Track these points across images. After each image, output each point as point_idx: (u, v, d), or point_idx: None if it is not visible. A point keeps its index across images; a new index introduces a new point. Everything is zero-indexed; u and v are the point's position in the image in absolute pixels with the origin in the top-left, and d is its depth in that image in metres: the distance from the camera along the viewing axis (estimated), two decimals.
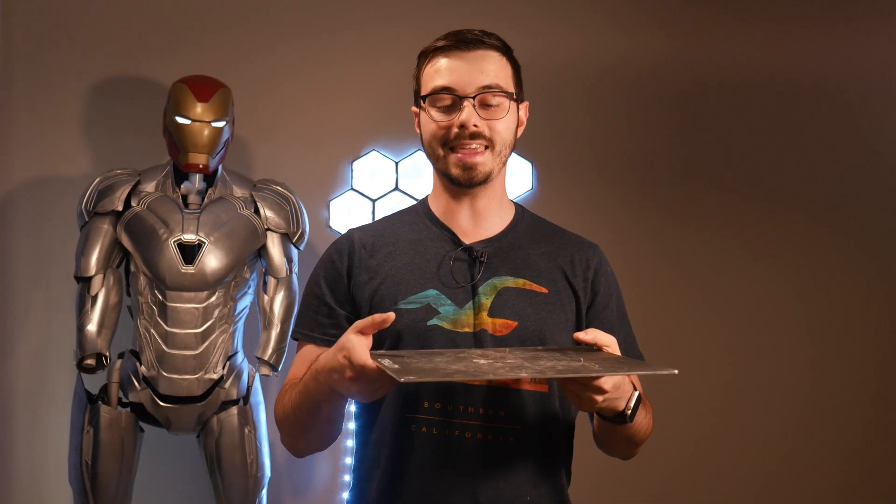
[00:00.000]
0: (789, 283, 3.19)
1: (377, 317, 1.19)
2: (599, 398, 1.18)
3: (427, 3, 3.11)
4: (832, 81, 3.22)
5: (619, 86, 3.16)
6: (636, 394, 1.26)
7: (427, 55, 1.42)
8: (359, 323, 1.20)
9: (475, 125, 1.35)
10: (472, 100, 1.36)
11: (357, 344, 1.17)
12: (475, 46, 1.39)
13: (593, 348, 1.25)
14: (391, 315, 1.19)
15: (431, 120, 1.39)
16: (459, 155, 1.37)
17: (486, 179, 1.39)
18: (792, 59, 3.21)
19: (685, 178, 3.18)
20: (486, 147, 1.37)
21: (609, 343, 1.24)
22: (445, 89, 1.37)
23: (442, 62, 1.39)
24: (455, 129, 1.36)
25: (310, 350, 1.43)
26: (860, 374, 3.18)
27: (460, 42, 1.39)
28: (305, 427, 1.36)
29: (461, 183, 1.39)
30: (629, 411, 1.25)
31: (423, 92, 1.41)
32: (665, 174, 3.17)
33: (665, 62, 3.17)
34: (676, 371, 1.14)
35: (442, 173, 1.41)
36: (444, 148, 1.38)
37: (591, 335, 1.24)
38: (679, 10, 3.21)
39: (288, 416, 1.37)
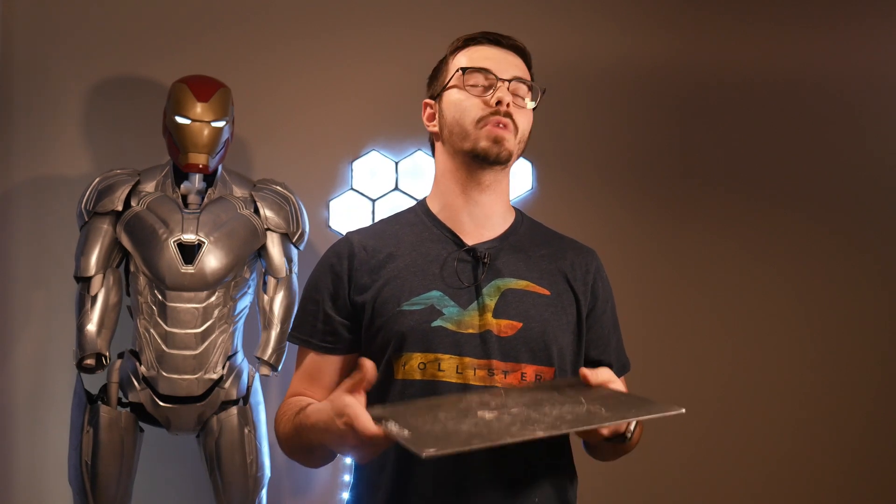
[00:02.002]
0: (790, 283, 3.19)
1: (365, 372, 1.16)
2: (605, 433, 1.23)
3: (427, 3, 3.11)
4: (832, 81, 3.22)
5: (619, 86, 3.17)
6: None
7: (460, 46, 1.47)
8: (346, 383, 1.18)
9: (509, 104, 1.39)
10: (507, 83, 1.40)
11: (359, 411, 1.13)
12: (508, 44, 1.46)
13: (581, 382, 1.27)
14: (369, 367, 1.17)
15: (464, 96, 1.41)
16: (490, 127, 1.38)
17: (507, 160, 1.41)
18: (792, 60, 3.22)
19: (685, 178, 3.18)
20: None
21: (610, 379, 1.27)
22: (484, 70, 1.41)
23: (478, 49, 1.45)
24: (488, 108, 1.39)
25: (310, 359, 1.45)
26: (861, 375, 3.18)
27: (496, 37, 1.46)
28: (301, 458, 1.41)
29: (488, 156, 1.39)
30: (629, 433, 1.27)
31: (461, 66, 1.43)
32: (665, 174, 3.17)
33: (665, 62, 3.18)
34: (683, 410, 1.15)
35: (466, 151, 1.41)
36: (474, 124, 1.39)
37: (595, 378, 1.26)
38: (679, 11, 3.21)
39: (283, 442, 1.40)
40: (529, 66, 1.48)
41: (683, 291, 3.16)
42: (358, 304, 1.40)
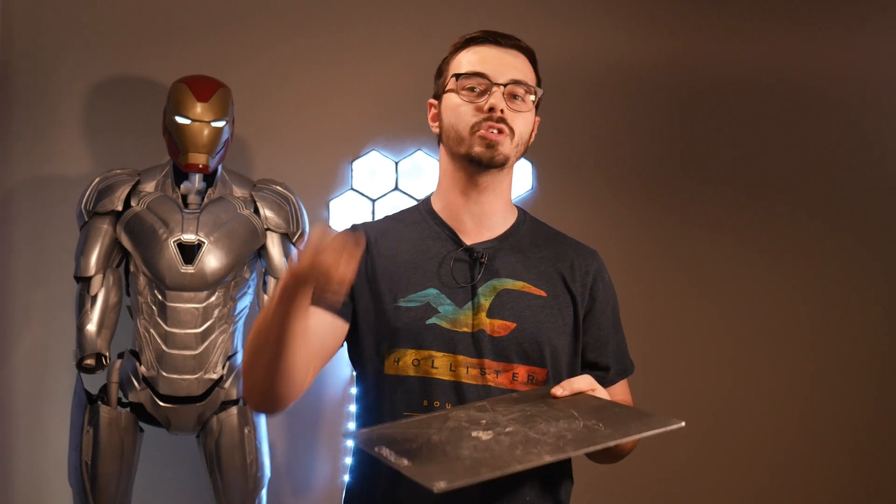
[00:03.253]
0: (792, 282, 3.18)
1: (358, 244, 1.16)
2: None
3: (427, 3, 3.11)
4: (834, 81, 3.22)
5: (619, 85, 3.17)
6: None
7: (461, 45, 1.46)
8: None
9: (502, 110, 1.38)
10: (502, 87, 1.39)
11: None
12: (509, 44, 1.44)
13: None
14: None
15: (460, 101, 1.41)
16: (483, 132, 1.38)
17: (503, 164, 1.41)
18: (794, 58, 3.21)
19: (685, 177, 3.18)
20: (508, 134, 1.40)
21: (586, 387, 1.28)
22: (479, 74, 1.40)
23: (477, 50, 1.43)
24: (482, 113, 1.39)
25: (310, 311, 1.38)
26: (865, 376, 3.17)
27: (496, 37, 1.44)
28: (254, 370, 1.31)
29: (482, 161, 1.39)
30: None
31: (456, 72, 1.43)
32: (665, 173, 3.17)
33: (666, 62, 3.18)
34: (683, 423, 1.15)
35: (462, 155, 1.41)
36: (469, 129, 1.39)
37: (567, 390, 1.28)
38: (680, 10, 3.21)
39: (245, 359, 1.33)
40: (535, 65, 1.47)
41: (684, 291, 3.16)
42: (357, 287, 1.38)
